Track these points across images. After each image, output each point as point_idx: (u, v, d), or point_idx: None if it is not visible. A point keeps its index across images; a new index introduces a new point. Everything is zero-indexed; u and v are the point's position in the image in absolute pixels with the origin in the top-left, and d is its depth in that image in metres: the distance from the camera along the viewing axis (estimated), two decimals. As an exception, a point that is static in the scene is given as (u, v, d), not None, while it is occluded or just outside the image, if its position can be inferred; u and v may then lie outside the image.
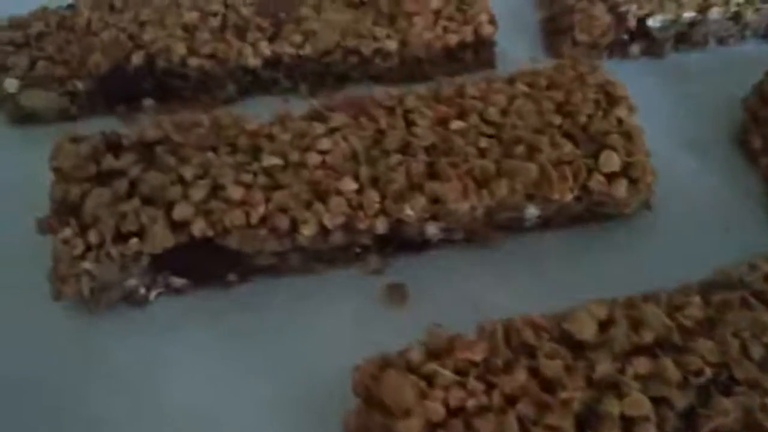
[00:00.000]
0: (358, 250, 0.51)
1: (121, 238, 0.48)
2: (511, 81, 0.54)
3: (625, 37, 0.63)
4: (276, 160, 0.50)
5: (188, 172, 0.49)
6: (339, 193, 0.48)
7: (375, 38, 0.60)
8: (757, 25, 0.65)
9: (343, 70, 0.62)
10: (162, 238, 0.47)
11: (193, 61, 0.60)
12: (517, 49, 0.64)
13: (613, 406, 0.38)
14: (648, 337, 0.41)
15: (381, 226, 0.48)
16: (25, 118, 0.61)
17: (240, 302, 0.51)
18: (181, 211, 0.47)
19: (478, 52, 0.62)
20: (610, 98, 0.52)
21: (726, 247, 0.51)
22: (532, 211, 0.50)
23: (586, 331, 0.41)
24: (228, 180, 0.49)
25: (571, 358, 0.40)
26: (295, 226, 0.48)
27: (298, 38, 0.60)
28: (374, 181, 0.49)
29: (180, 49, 0.60)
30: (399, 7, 0.61)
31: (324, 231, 0.48)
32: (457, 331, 0.42)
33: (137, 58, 0.60)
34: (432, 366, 0.40)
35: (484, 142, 0.50)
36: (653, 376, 0.39)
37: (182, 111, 0.59)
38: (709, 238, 0.53)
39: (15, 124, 0.62)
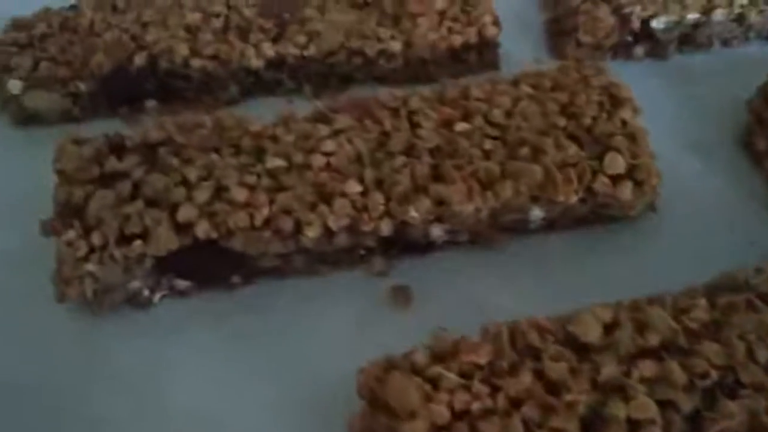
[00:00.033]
0: (362, 252, 0.51)
1: (124, 240, 0.47)
2: (515, 83, 0.54)
3: (629, 38, 0.63)
4: (280, 162, 0.50)
5: (192, 174, 0.49)
6: (343, 195, 0.48)
7: (379, 39, 0.60)
8: (761, 27, 0.65)
9: (347, 71, 0.62)
10: (166, 240, 0.47)
11: (196, 62, 0.60)
12: (521, 50, 0.64)
13: (618, 409, 0.38)
14: (653, 339, 0.41)
15: (385, 228, 0.48)
16: (29, 119, 0.61)
17: (244, 304, 0.50)
18: (185, 213, 0.47)
19: (482, 53, 0.62)
20: (614, 100, 0.52)
21: (731, 249, 0.52)
22: (536, 213, 0.50)
23: (592, 333, 0.41)
24: (232, 182, 0.49)
25: (576, 360, 0.40)
26: (299, 228, 0.48)
27: (302, 39, 0.60)
28: (379, 183, 0.49)
29: (183, 50, 0.60)
30: (403, 8, 0.61)
31: (328, 233, 0.48)
32: (462, 333, 0.42)
33: (140, 59, 0.60)
34: (437, 369, 0.40)
35: (488, 144, 0.50)
36: (659, 379, 0.39)
37: (185, 112, 0.59)
38: (714, 240, 0.53)
39: (18, 126, 0.62)
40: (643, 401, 0.38)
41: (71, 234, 0.48)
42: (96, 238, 0.47)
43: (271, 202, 0.48)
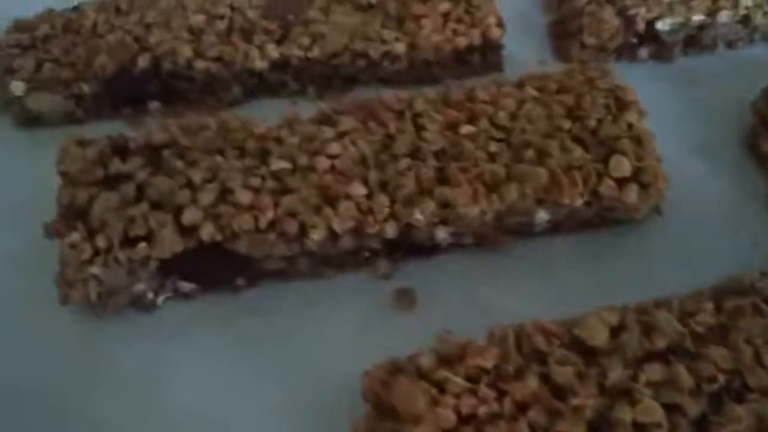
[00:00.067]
0: (367, 254, 0.51)
1: (128, 242, 0.47)
2: (520, 85, 0.54)
3: (634, 40, 0.63)
4: (284, 164, 0.50)
5: (196, 176, 0.49)
6: (348, 197, 0.48)
7: (383, 41, 0.60)
8: (766, 29, 0.64)
9: (351, 72, 0.62)
10: (170, 243, 0.47)
11: (199, 64, 0.60)
12: (525, 52, 0.64)
13: (625, 413, 0.38)
14: (660, 343, 0.41)
15: (390, 230, 0.48)
16: (32, 121, 0.61)
17: (248, 307, 0.50)
18: (189, 216, 0.47)
19: (486, 55, 0.62)
20: (620, 102, 0.52)
21: (736, 251, 0.52)
22: (542, 216, 0.50)
23: (598, 337, 0.41)
24: (236, 184, 0.49)
25: (582, 364, 0.40)
26: (304, 231, 0.48)
27: (306, 41, 0.60)
28: (384, 186, 0.49)
29: (186, 51, 0.60)
30: (407, 10, 0.61)
31: (333, 236, 0.48)
32: (467, 336, 0.42)
33: (143, 61, 0.60)
34: (443, 373, 0.40)
35: (494, 147, 0.50)
36: (665, 382, 0.39)
37: (188, 114, 0.59)
38: (719, 242, 0.52)
39: (21, 127, 0.62)
40: (649, 405, 0.38)
41: (75, 236, 0.48)
42: (100, 241, 0.47)
43: (276, 204, 0.48)
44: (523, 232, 0.52)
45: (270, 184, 0.49)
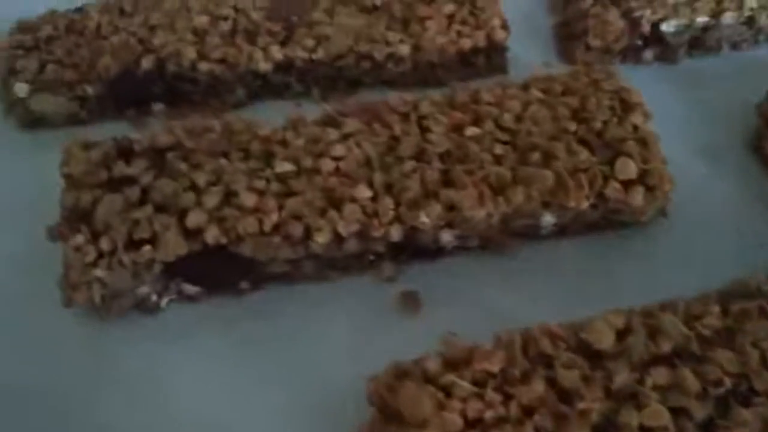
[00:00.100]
0: (371, 257, 0.50)
1: (133, 245, 0.47)
2: (525, 87, 0.54)
3: (639, 42, 0.63)
4: (289, 167, 0.49)
5: (201, 179, 0.49)
6: (353, 200, 0.48)
7: (388, 43, 0.60)
8: (771, 30, 0.64)
9: (355, 74, 0.61)
10: (175, 246, 0.47)
11: (204, 66, 0.60)
12: (530, 54, 0.64)
13: (631, 417, 0.38)
14: (666, 346, 0.40)
15: (396, 233, 0.48)
16: (35, 122, 0.61)
17: (253, 310, 0.50)
18: (194, 219, 0.47)
19: (491, 56, 0.62)
20: (625, 105, 0.52)
21: (741, 253, 0.52)
22: (547, 219, 0.50)
23: (604, 340, 0.41)
24: (241, 186, 0.48)
25: (588, 368, 0.40)
26: (308, 234, 0.47)
27: (310, 42, 0.60)
28: (389, 188, 0.49)
29: (190, 53, 0.60)
30: (412, 12, 0.61)
31: (338, 238, 0.48)
32: (472, 340, 0.42)
33: (147, 62, 0.60)
34: (450, 377, 0.39)
35: (499, 149, 0.50)
36: (672, 386, 0.39)
37: (192, 115, 0.59)
38: (724, 245, 0.52)
39: (25, 129, 0.61)
40: (656, 409, 0.38)
41: (79, 239, 0.48)
42: (104, 243, 0.47)
43: (281, 207, 0.48)
44: (529, 235, 0.52)
45: (274, 186, 0.49)
